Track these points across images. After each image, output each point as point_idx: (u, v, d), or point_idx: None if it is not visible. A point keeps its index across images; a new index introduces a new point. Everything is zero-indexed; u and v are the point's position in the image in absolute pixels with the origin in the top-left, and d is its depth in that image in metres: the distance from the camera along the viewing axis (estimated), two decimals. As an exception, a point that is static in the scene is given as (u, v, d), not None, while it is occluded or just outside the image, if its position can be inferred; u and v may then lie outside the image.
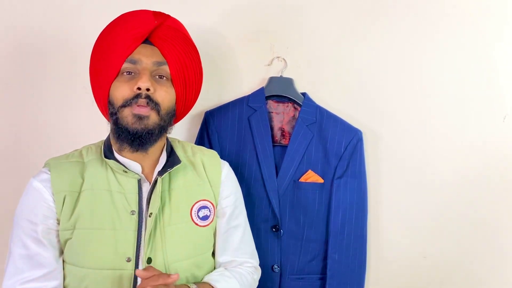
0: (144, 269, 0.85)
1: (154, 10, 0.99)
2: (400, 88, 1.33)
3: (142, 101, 0.90)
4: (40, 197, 0.90)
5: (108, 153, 0.96)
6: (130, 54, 0.92)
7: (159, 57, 0.94)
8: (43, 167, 0.96)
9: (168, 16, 1.00)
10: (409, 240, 1.35)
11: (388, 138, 1.34)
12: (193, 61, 1.00)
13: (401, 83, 1.33)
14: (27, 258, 0.89)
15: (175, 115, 0.99)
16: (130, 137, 0.90)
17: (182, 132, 1.35)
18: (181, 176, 0.99)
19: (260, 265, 1.13)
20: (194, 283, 0.94)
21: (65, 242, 0.91)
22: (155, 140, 0.95)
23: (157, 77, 0.94)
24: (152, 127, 0.91)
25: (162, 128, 0.95)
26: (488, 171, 1.33)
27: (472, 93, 1.32)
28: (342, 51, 1.33)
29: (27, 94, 1.32)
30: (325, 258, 1.24)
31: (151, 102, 0.90)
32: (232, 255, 1.04)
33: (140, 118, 0.90)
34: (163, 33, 0.96)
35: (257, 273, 1.08)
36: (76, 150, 1.01)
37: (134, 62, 0.92)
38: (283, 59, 1.31)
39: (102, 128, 1.05)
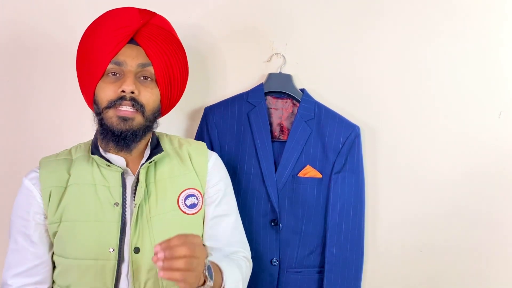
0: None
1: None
2: (398, 85, 1.34)
3: (127, 102, 0.92)
4: (30, 194, 0.95)
5: (94, 149, 0.99)
6: (115, 55, 0.93)
7: (144, 58, 0.95)
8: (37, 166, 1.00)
9: (154, 14, 1.00)
10: (406, 234, 1.37)
11: (385, 133, 1.35)
12: (178, 60, 1.01)
13: (399, 80, 1.34)
14: (17, 253, 0.95)
15: (160, 113, 1.01)
16: (115, 138, 0.93)
17: (182, 127, 1.36)
18: (166, 167, 1.01)
19: (259, 258, 1.14)
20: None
21: (54, 235, 0.95)
22: (139, 140, 0.98)
23: (142, 78, 0.96)
24: (137, 128, 0.94)
25: (147, 128, 0.98)
26: (484, 166, 1.35)
27: (468, 90, 1.33)
28: (340, 47, 1.34)
29: (18, 93, 1.32)
30: (323, 252, 1.26)
31: (136, 104, 0.93)
32: (225, 245, 1.03)
33: (124, 119, 0.92)
34: (149, 32, 0.97)
35: (248, 263, 1.07)
36: (67, 149, 1.05)
37: (119, 64, 0.93)
38: (282, 55, 1.32)
39: (94, 127, 1.05)
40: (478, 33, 1.31)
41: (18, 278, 0.94)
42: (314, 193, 1.25)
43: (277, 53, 1.32)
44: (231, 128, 1.26)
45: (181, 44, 1.03)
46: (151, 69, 0.96)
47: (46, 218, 0.95)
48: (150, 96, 0.95)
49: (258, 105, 1.26)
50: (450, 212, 1.36)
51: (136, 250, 0.93)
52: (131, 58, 0.93)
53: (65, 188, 0.95)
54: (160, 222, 0.96)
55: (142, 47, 0.96)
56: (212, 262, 0.91)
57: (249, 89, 1.29)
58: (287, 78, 1.29)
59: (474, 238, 1.37)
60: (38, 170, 0.97)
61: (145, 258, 0.93)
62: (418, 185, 1.36)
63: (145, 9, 1.00)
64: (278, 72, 1.30)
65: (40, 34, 1.31)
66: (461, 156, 1.35)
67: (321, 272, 1.26)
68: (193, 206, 1.00)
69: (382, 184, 1.36)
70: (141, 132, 0.95)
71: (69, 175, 0.97)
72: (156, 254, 0.73)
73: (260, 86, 1.28)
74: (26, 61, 1.31)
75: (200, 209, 1.02)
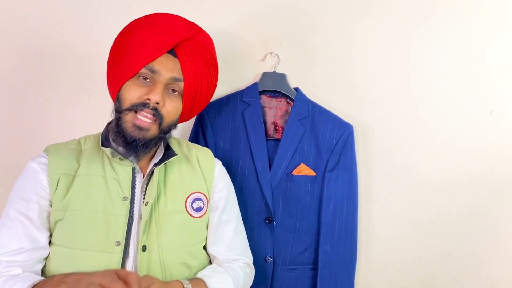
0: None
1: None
2: (391, 84, 1.35)
3: (148, 110, 0.92)
4: (36, 177, 0.93)
5: (105, 142, 0.98)
6: (151, 61, 0.92)
7: (177, 73, 0.95)
8: (43, 151, 0.98)
9: (201, 30, 1.00)
10: (398, 231, 1.38)
11: (378, 132, 1.36)
12: (210, 79, 1.01)
13: (392, 79, 1.35)
14: (15, 233, 0.90)
15: (176, 125, 1.02)
16: (126, 144, 0.93)
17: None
18: (176, 169, 1.03)
19: (253, 256, 1.15)
20: (188, 280, 0.96)
21: (56, 223, 0.92)
22: (150, 150, 0.98)
23: (170, 90, 0.96)
24: (150, 139, 0.94)
25: (159, 139, 0.98)
26: (475, 165, 1.36)
27: (460, 89, 1.34)
28: (334, 47, 1.35)
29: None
30: (317, 249, 1.27)
31: (157, 114, 0.93)
32: (225, 251, 1.05)
33: (140, 128, 0.92)
34: (190, 47, 0.97)
35: (249, 268, 1.09)
36: (75, 139, 1.04)
37: (153, 71, 0.93)
38: (276, 54, 1.32)
39: (101, 129, 1.06)
40: (469, 31, 1.33)
41: (17, 257, 0.88)
42: (308, 191, 1.26)
43: (271, 52, 1.33)
44: (225, 126, 1.26)
45: (217, 63, 1.03)
46: (181, 85, 0.96)
47: (50, 205, 0.93)
48: (172, 110, 0.95)
49: (252, 103, 1.26)
50: (442, 209, 1.37)
51: (144, 248, 0.94)
52: (166, 69, 0.93)
53: (74, 177, 0.94)
54: (168, 222, 0.97)
55: (179, 61, 0.95)
56: (198, 280, 0.95)
57: (243, 88, 1.30)
58: (281, 77, 1.30)
59: (467, 235, 1.38)
60: (46, 156, 0.95)
61: (151, 257, 0.94)
62: (411, 183, 1.37)
63: (193, 23, 1.00)
64: (272, 71, 1.31)
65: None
66: (453, 154, 1.36)
67: (315, 269, 1.27)
68: (199, 209, 1.02)
69: (375, 182, 1.37)
70: (152, 143, 0.96)
71: (78, 164, 0.96)
72: None
73: (255, 85, 1.29)
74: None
75: (205, 213, 1.03)
